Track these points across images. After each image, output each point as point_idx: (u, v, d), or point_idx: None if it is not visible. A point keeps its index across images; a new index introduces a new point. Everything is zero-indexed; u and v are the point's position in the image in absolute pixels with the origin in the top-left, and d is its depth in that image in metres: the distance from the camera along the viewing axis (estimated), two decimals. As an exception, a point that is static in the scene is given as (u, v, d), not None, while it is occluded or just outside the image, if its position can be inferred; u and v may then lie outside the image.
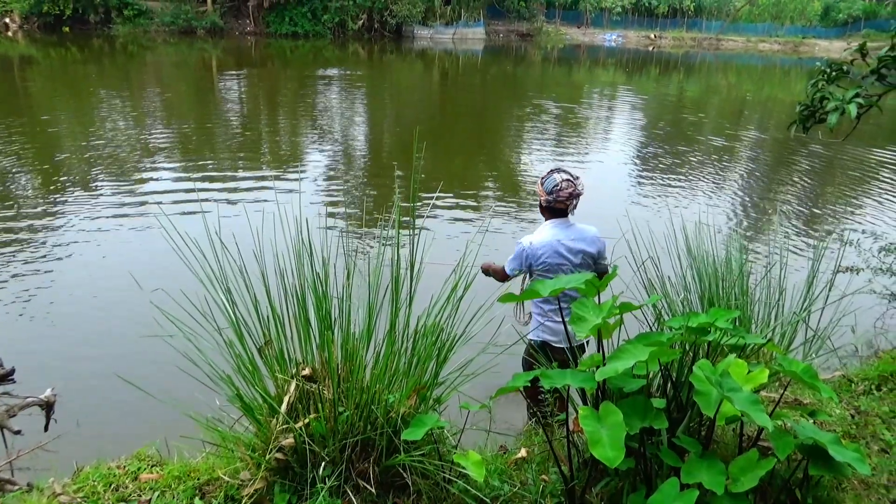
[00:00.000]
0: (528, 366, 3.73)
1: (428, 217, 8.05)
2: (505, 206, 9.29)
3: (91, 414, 3.98)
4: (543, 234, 3.52)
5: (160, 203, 8.28)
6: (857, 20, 49.94)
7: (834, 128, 3.76)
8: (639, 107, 21.52)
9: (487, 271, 3.83)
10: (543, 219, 3.65)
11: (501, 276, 3.73)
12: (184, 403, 2.32)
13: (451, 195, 9.34)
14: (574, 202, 3.49)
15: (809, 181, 11.58)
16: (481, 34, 46.29)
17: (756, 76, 35.13)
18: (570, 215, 3.57)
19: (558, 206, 3.48)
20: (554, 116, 17.80)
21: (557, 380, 2.05)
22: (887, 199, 10.22)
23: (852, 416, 2.99)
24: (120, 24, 36.65)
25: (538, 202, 3.60)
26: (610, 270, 2.51)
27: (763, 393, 2.90)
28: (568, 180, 3.46)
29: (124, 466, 2.50)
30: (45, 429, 3.16)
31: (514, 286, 3.78)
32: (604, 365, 1.95)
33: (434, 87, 24.12)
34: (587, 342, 3.25)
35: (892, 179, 11.59)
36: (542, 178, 3.53)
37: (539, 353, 3.55)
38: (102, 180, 9.58)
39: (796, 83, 29.95)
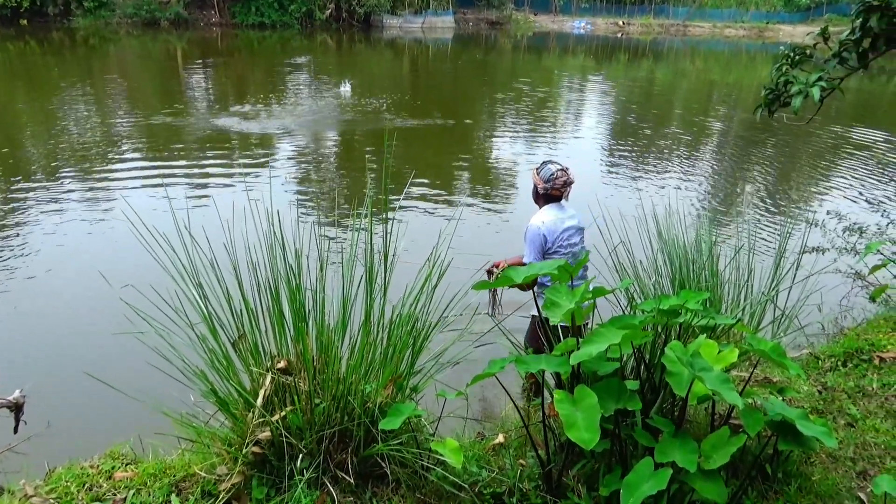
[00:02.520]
0: (534, 342, 3.74)
1: (400, 206, 8.02)
2: (477, 193, 9.30)
3: (62, 414, 3.90)
4: (549, 215, 3.76)
5: (126, 195, 8.14)
6: (820, 5, 50.78)
7: (798, 111, 3.83)
8: (609, 93, 21.66)
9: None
10: (537, 206, 3.88)
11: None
12: (157, 400, 2.30)
13: (423, 183, 9.32)
14: (568, 189, 3.80)
15: (776, 163, 11.78)
16: (451, 23, 46.06)
17: (723, 61, 35.55)
18: (564, 201, 3.84)
19: (554, 194, 3.77)
20: (524, 104, 17.83)
21: (532, 365, 2.07)
22: (851, 180, 10.45)
23: (819, 392, 3.07)
24: (80, 17, 35.71)
25: (533, 190, 3.87)
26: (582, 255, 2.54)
27: (733, 372, 2.95)
28: (562, 170, 3.76)
29: (98, 466, 2.46)
30: (15, 431, 3.08)
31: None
32: (578, 349, 1.97)
33: (405, 76, 23.98)
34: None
35: (854, 160, 11.85)
36: (537, 168, 3.82)
37: (540, 334, 3.62)
38: (66, 175, 9.37)
39: (762, 67, 30.39)
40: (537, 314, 3.81)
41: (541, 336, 3.68)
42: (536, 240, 3.70)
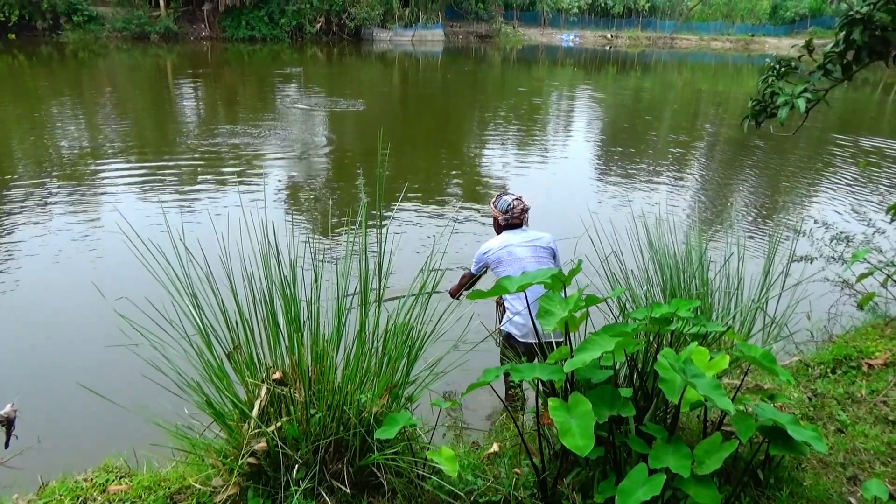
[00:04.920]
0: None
1: (394, 216, 8.04)
2: (470, 203, 9.34)
3: (54, 427, 3.88)
4: (498, 239, 4.02)
5: (119, 206, 8.11)
6: (804, 18, 51.66)
7: (785, 122, 3.90)
8: (598, 104, 21.83)
9: (456, 292, 4.21)
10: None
11: (468, 277, 4.11)
12: (151, 412, 2.29)
13: (415, 194, 9.35)
14: (526, 216, 4.04)
15: (764, 173, 11.91)
16: (440, 36, 46.37)
17: (710, 73, 35.96)
18: (524, 226, 4.07)
19: (514, 222, 4.00)
20: (515, 115, 17.95)
21: (526, 373, 2.09)
22: (838, 190, 10.58)
23: (809, 399, 3.10)
24: (69, 31, 35.66)
25: (494, 222, 4.11)
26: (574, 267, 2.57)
27: (724, 379, 2.98)
28: (517, 199, 4.01)
29: (91, 479, 2.45)
30: (6, 445, 3.07)
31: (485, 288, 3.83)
32: (571, 357, 1.99)
33: (395, 89, 24.09)
34: (554, 341, 3.35)
35: (841, 170, 11.99)
36: (494, 201, 4.07)
37: (507, 346, 3.73)
38: (57, 186, 9.33)
39: (748, 79, 30.75)
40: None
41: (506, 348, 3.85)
42: (479, 260, 3.98)
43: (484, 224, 8.44)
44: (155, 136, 13.41)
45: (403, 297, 2.43)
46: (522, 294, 2.39)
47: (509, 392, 3.82)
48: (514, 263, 3.83)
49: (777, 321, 3.50)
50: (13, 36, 34.38)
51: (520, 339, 3.77)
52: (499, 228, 4.07)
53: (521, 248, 3.90)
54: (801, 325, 4.10)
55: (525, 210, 4.01)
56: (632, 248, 3.60)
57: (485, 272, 4.05)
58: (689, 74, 34.87)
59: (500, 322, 4.14)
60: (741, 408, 2.22)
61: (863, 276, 4.61)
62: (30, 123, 14.19)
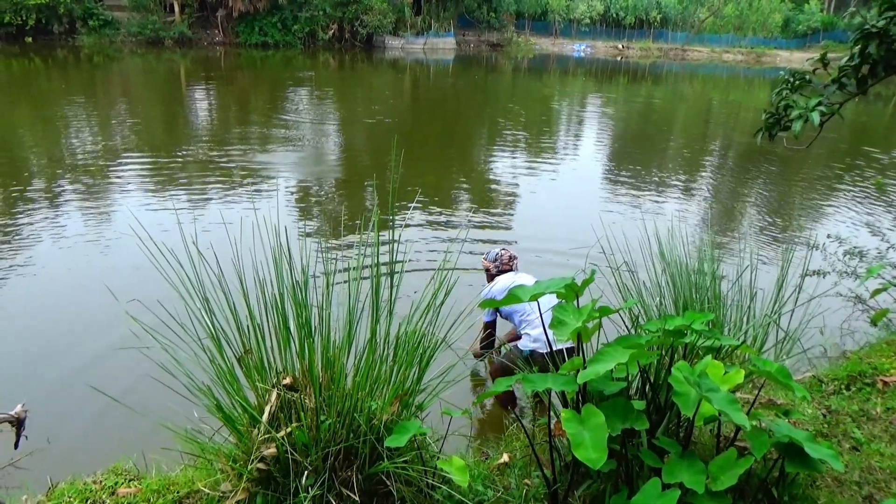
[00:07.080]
0: (505, 370, 3.79)
1: (406, 223, 8.04)
2: (480, 211, 9.33)
3: (64, 429, 3.89)
4: (498, 280, 4.27)
5: (132, 209, 8.15)
6: (816, 32, 51.62)
7: (799, 135, 3.87)
8: (610, 115, 21.82)
9: (479, 352, 4.28)
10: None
11: (484, 330, 4.25)
12: (161, 415, 2.29)
13: (426, 202, 9.35)
14: (515, 262, 4.38)
15: (777, 186, 11.84)
16: (452, 44, 46.56)
17: (722, 85, 35.90)
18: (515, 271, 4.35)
19: (504, 269, 4.32)
20: (526, 125, 17.95)
21: (539, 384, 2.07)
22: (851, 204, 10.50)
23: (824, 416, 3.06)
24: (85, 35, 36.03)
25: (487, 273, 4.37)
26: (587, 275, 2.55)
27: (738, 394, 2.95)
28: (503, 249, 4.39)
29: (100, 481, 2.45)
30: (16, 446, 3.07)
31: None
32: (584, 368, 1.98)
33: (406, 96, 24.16)
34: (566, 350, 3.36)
35: (854, 184, 11.91)
36: (485, 255, 4.44)
37: (528, 364, 3.73)
38: (70, 190, 9.40)
39: (760, 91, 30.68)
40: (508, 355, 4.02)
41: (513, 360, 3.86)
42: (486, 297, 4.14)
43: (494, 229, 8.44)
44: (168, 140, 13.49)
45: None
46: (537, 307, 2.39)
47: (519, 402, 3.81)
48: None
49: (790, 336, 3.47)
50: (30, 39, 34.75)
51: (543, 352, 3.75)
52: (491, 279, 4.34)
53: (524, 277, 4.16)
54: (813, 341, 4.06)
55: (513, 258, 4.32)
56: (644, 260, 3.58)
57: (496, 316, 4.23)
58: (701, 86, 34.82)
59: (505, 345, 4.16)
60: (756, 423, 2.20)
61: (877, 291, 4.56)
62: (44, 128, 14.31)
